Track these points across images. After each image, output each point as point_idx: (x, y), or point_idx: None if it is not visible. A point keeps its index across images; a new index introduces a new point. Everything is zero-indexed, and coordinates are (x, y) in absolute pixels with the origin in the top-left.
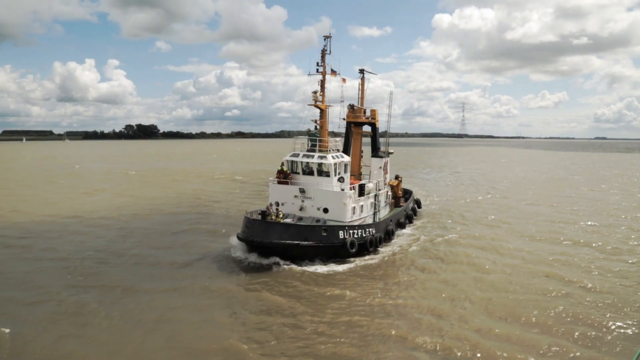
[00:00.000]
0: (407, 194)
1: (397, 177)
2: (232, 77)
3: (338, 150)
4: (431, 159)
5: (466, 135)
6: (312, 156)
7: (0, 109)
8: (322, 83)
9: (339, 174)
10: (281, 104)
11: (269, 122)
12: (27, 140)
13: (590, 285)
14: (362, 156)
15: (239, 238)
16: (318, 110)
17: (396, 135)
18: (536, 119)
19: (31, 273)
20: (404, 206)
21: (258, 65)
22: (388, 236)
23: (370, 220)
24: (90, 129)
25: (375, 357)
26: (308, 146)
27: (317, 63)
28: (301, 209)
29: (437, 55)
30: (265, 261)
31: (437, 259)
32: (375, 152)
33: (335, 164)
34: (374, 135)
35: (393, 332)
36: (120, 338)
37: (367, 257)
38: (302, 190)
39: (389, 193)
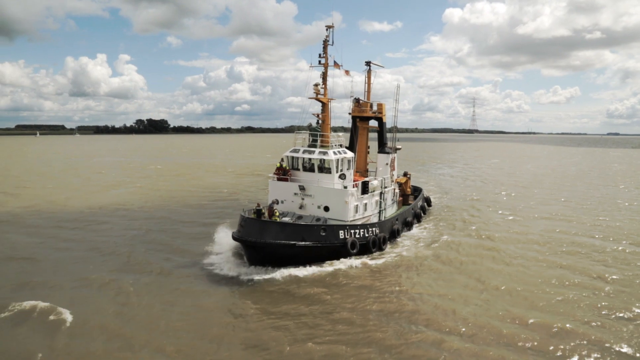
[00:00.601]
0: (417, 191)
1: (405, 174)
2: (242, 72)
3: (341, 146)
4: (442, 154)
5: (476, 131)
6: (313, 152)
7: (13, 103)
8: (324, 75)
9: (341, 170)
10: (291, 99)
11: (278, 117)
12: (40, 134)
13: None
14: (368, 152)
15: (233, 238)
16: (321, 105)
17: (406, 130)
18: (547, 115)
19: (70, 259)
20: (412, 204)
21: (268, 60)
22: (393, 236)
23: (375, 219)
24: (101, 124)
25: None
26: (309, 141)
27: (320, 55)
28: (301, 207)
29: (447, 50)
30: (257, 276)
31: (443, 262)
32: (382, 147)
33: (337, 160)
34: (381, 130)
35: (392, 342)
36: (156, 318)
37: (367, 258)
38: (301, 188)
39: (397, 191)
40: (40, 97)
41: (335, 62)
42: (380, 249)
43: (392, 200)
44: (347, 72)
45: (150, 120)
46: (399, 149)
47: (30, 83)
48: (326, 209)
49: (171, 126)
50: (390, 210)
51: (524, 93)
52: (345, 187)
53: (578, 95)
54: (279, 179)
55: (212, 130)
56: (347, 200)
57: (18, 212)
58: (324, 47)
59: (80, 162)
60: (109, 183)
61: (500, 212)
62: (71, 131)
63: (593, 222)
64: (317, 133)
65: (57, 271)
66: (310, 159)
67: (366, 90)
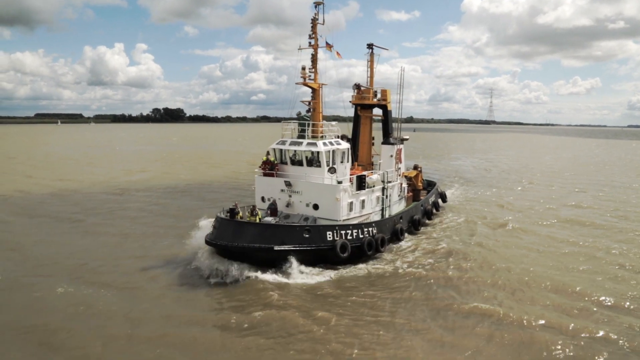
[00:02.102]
0: (431, 185)
1: (416, 167)
2: (259, 61)
3: (338, 137)
4: (459, 145)
5: (493, 122)
6: (301, 143)
7: (33, 92)
8: (314, 58)
9: (333, 163)
10: (307, 88)
11: (294, 107)
12: (61, 123)
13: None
14: (373, 143)
15: (205, 241)
16: (310, 91)
17: (422, 121)
18: (566, 106)
19: (100, 245)
20: (422, 200)
21: (284, 49)
22: (396, 237)
23: (377, 218)
24: (118, 113)
25: None
26: (298, 132)
27: (309, 35)
28: (288, 205)
29: (465, 40)
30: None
31: (453, 269)
32: (386, 138)
33: (328, 151)
34: (386, 119)
35: None
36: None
37: (363, 263)
38: (288, 184)
39: (404, 185)
40: (59, 86)
41: (327, 42)
42: (378, 251)
43: (399, 196)
44: (338, 53)
45: (166, 109)
46: (406, 139)
47: (50, 72)
48: (315, 207)
49: (187, 115)
50: (397, 208)
51: (542, 84)
52: (340, 182)
53: (599, 87)
54: (265, 174)
55: (227, 119)
56: (338, 197)
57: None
58: (312, 27)
59: (110, 151)
60: (139, 169)
61: (522, 210)
62: (88, 120)
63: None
64: (306, 122)
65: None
66: (297, 151)
67: (369, 75)
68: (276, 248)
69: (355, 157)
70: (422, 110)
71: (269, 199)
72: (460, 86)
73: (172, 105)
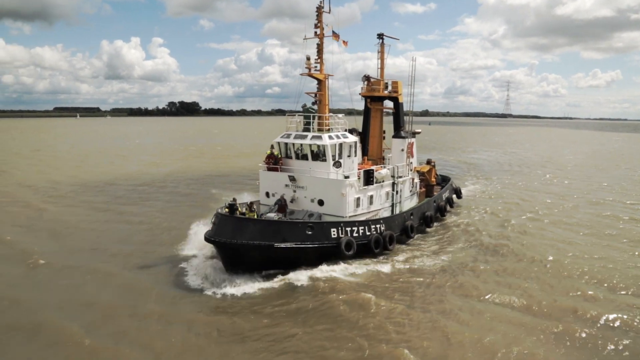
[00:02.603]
0: (445, 181)
1: (429, 162)
2: (273, 54)
3: (352, 131)
4: (475, 139)
5: (510, 115)
6: (306, 136)
7: (52, 86)
8: (320, 47)
9: (339, 157)
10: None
11: (298, 100)
12: (80, 116)
13: None
14: (384, 137)
15: (205, 238)
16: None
17: (437, 114)
18: (585, 99)
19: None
20: (435, 196)
21: (299, 42)
22: (406, 234)
23: (386, 214)
24: (134, 106)
25: None
26: (304, 125)
27: (315, 24)
28: (292, 200)
29: (482, 32)
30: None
31: (463, 270)
32: (397, 131)
33: (334, 145)
34: (397, 112)
35: None
36: None
37: (370, 261)
38: (292, 178)
39: (416, 181)
40: (77, 80)
41: (333, 32)
42: (386, 249)
43: (411, 192)
44: (345, 42)
45: (182, 103)
46: (418, 132)
47: (68, 66)
48: (320, 202)
49: (202, 108)
50: (409, 204)
51: (561, 76)
52: (348, 177)
53: (619, 79)
54: (269, 169)
55: (242, 112)
56: (343, 192)
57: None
58: (317, 15)
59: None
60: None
61: (538, 204)
62: (105, 113)
63: None
64: (311, 114)
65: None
66: (302, 145)
67: (379, 66)
68: (277, 245)
69: (365, 151)
70: (438, 104)
71: (273, 194)
72: (477, 79)
73: (188, 99)
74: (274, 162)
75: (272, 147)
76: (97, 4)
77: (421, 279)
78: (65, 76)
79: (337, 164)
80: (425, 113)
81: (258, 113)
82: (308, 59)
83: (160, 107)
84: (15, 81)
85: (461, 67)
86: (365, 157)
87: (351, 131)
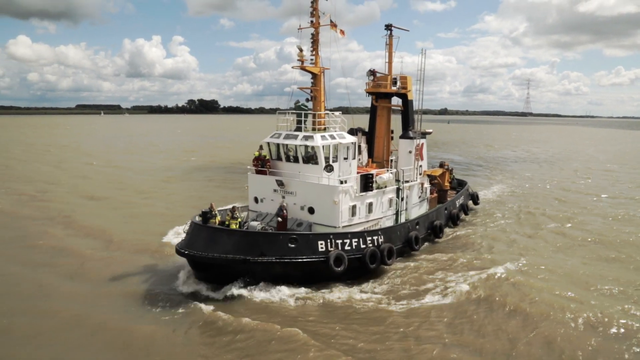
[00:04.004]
0: (461, 185)
1: (442, 165)
2: (292, 52)
3: (358, 131)
4: (495, 137)
5: (530, 114)
6: (296, 137)
7: (74, 84)
8: (315, 38)
9: (334, 159)
10: (340, 79)
11: (327, 99)
12: (104, 113)
13: None
14: (392, 137)
15: (176, 250)
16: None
17: (456, 112)
18: (608, 97)
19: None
20: (447, 203)
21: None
22: (410, 246)
23: (389, 223)
24: (155, 104)
25: None
26: (296, 124)
27: (311, 12)
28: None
29: (502, 30)
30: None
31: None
32: (405, 131)
33: (327, 146)
34: (406, 110)
35: None
36: None
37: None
38: (280, 183)
39: (426, 186)
40: (100, 78)
41: (331, 21)
42: (384, 264)
43: (420, 197)
44: (342, 32)
45: (201, 101)
46: (429, 132)
47: (91, 64)
48: (311, 210)
49: (221, 106)
50: (417, 212)
51: (583, 74)
52: (344, 182)
53: None
54: (257, 172)
55: (261, 110)
56: (336, 199)
57: None
58: (313, 2)
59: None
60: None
61: (568, 216)
62: (126, 110)
63: None
64: (303, 112)
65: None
66: (292, 146)
67: (387, 60)
68: (252, 260)
69: (371, 153)
70: (457, 102)
71: (261, 200)
72: (496, 77)
73: (207, 97)
74: (261, 165)
75: (260, 147)
76: (120, 2)
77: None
78: (88, 74)
79: (329, 168)
80: (444, 112)
81: (276, 111)
82: (300, 50)
83: (180, 105)
84: (40, 79)
85: (481, 65)
86: (370, 160)
87: (356, 131)
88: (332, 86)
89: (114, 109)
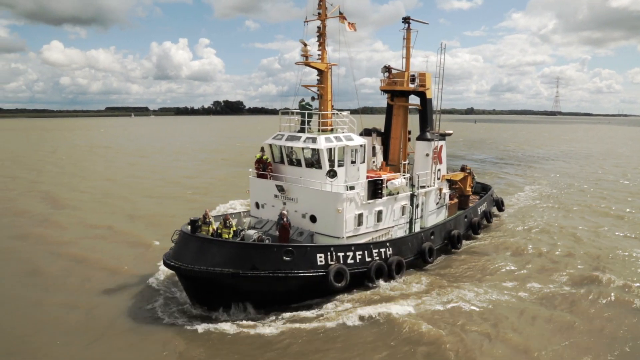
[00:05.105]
0: (485, 190)
1: (463, 169)
2: (317, 53)
3: (373, 131)
4: (524, 138)
5: (559, 113)
6: (299, 138)
7: (104, 87)
8: (322, 31)
9: (339, 164)
10: (365, 79)
11: (351, 99)
12: (135, 115)
13: None
14: (409, 139)
15: (163, 261)
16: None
17: (483, 112)
18: None
19: None
20: (467, 210)
21: (343, 41)
22: (423, 258)
23: (402, 233)
24: (181, 105)
25: None
26: (299, 124)
27: (318, 4)
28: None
29: (530, 27)
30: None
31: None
32: (422, 132)
33: (332, 149)
34: (424, 109)
35: None
36: None
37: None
38: (280, 189)
39: (445, 191)
40: (128, 81)
41: (340, 12)
42: (392, 278)
43: (438, 204)
44: (351, 25)
45: (226, 102)
46: (449, 134)
47: (120, 68)
48: (313, 219)
49: (246, 107)
50: (434, 219)
51: (615, 72)
52: (353, 188)
53: None
54: (258, 175)
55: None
56: (339, 208)
57: None
58: None
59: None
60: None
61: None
62: (153, 112)
63: None
64: (307, 112)
65: None
66: (294, 148)
67: (404, 56)
68: (243, 274)
69: (386, 155)
70: (484, 102)
71: (263, 205)
72: (524, 76)
73: (233, 98)
74: (262, 168)
75: (261, 149)
76: (148, 7)
77: None
78: (117, 77)
79: (332, 174)
80: (470, 111)
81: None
82: (305, 44)
83: (206, 106)
84: (71, 82)
85: (508, 64)
86: (384, 163)
87: (370, 131)
88: (357, 86)
89: (142, 111)
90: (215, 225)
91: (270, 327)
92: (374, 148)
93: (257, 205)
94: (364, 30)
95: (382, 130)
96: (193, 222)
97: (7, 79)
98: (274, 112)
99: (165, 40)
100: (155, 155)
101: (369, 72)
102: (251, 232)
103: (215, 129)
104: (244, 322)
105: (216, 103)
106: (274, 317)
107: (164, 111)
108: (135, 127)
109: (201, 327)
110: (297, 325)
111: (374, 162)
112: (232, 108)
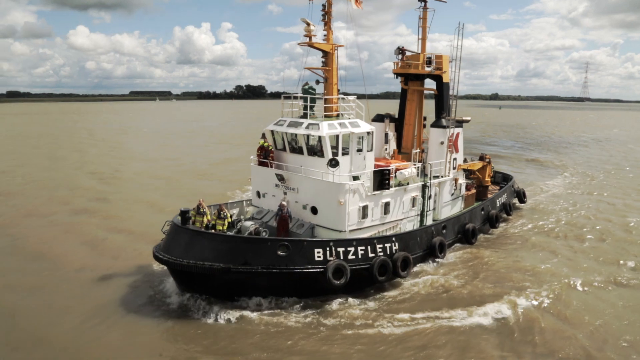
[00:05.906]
0: (506, 180)
1: (482, 158)
2: (339, 37)
3: (388, 116)
4: (552, 125)
5: (588, 99)
6: (300, 124)
7: (128, 71)
8: (327, 10)
9: (343, 152)
10: (388, 64)
11: (374, 83)
12: (159, 100)
13: None
14: (425, 125)
15: (153, 254)
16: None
17: (508, 97)
18: None
19: None
20: (485, 201)
21: (366, 25)
22: (433, 254)
23: (412, 226)
24: (204, 90)
25: None
26: (302, 110)
27: None
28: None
29: (560, 10)
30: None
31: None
32: (437, 119)
33: (335, 136)
34: (440, 94)
35: None
36: None
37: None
38: (280, 178)
39: (461, 182)
40: (152, 65)
41: None
42: (397, 276)
43: (452, 195)
44: (358, 2)
45: (248, 86)
46: (466, 121)
47: (144, 52)
48: (314, 210)
49: (268, 92)
50: (449, 211)
51: None
52: (358, 178)
53: None
54: (259, 163)
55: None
56: (341, 199)
57: None
58: None
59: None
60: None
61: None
62: (175, 97)
63: None
64: (310, 96)
65: None
66: (295, 135)
67: (419, 37)
68: (234, 269)
69: (399, 143)
70: (509, 87)
71: (264, 195)
72: (552, 60)
73: (255, 82)
74: (264, 156)
75: (263, 136)
76: None
77: None
78: (141, 61)
79: (333, 163)
80: (495, 97)
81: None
82: (308, 24)
83: (228, 91)
84: (96, 67)
85: (535, 48)
86: (396, 151)
87: (382, 117)
88: (378, 71)
89: (164, 95)
90: (209, 216)
91: (271, 320)
92: (386, 135)
93: (258, 194)
94: (387, 14)
95: (396, 116)
96: (184, 213)
97: (35, 64)
98: (295, 97)
99: (188, 24)
100: (194, 137)
101: (392, 56)
102: (248, 223)
103: (241, 112)
104: (244, 312)
105: (238, 87)
106: (272, 311)
107: (187, 95)
108: (162, 110)
109: (205, 318)
110: (297, 320)
111: (386, 149)
112: (254, 92)
